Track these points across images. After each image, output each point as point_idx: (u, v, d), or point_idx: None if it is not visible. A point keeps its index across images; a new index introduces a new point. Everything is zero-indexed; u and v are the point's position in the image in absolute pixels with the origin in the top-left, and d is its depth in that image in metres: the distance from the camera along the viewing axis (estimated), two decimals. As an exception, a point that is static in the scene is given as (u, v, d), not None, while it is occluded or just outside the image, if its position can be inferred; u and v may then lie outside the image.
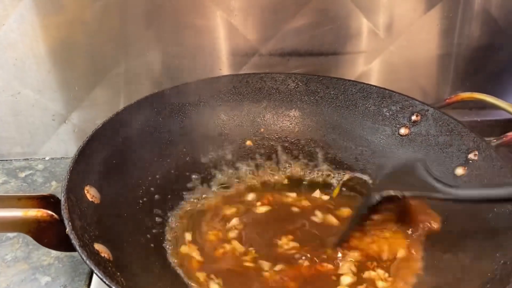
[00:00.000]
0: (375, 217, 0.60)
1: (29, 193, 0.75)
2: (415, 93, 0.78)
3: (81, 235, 0.45)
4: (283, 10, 0.81)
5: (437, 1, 0.84)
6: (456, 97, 0.74)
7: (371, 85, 0.75)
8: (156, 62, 0.82)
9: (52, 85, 0.80)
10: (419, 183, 0.57)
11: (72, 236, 0.44)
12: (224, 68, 0.85)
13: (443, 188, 0.55)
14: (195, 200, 0.66)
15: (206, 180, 0.70)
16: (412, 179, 0.58)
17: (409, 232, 0.60)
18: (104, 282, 0.40)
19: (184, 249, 0.57)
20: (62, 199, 0.47)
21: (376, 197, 0.58)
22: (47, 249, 0.64)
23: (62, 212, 0.46)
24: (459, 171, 0.64)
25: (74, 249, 0.44)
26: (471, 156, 0.63)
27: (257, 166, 0.73)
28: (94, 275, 0.61)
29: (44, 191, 0.77)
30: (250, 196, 0.68)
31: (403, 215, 0.61)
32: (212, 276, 0.54)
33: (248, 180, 0.71)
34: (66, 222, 0.45)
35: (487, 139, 0.64)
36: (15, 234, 0.67)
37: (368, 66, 0.88)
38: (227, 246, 0.58)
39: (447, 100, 0.74)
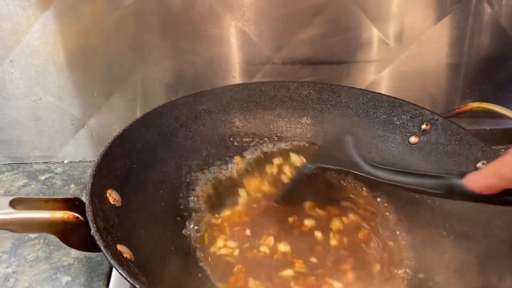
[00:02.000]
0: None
1: (49, 195, 0.79)
2: (424, 102, 0.80)
3: (105, 237, 0.47)
4: (296, 20, 0.83)
5: (447, 12, 0.86)
6: (466, 106, 0.76)
7: (382, 94, 0.77)
8: (172, 70, 0.84)
9: (72, 91, 0.82)
10: (347, 158, 0.61)
11: (97, 237, 0.46)
12: (238, 76, 0.87)
13: (365, 166, 0.57)
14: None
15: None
16: (341, 154, 0.62)
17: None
18: (128, 281, 0.42)
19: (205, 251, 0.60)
20: (87, 202, 0.49)
21: (309, 167, 0.64)
22: (67, 250, 0.68)
23: (87, 214, 0.48)
24: (468, 179, 0.65)
25: (97, 250, 0.46)
26: (479, 165, 0.64)
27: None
28: (112, 276, 0.63)
29: (63, 193, 0.80)
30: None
31: None
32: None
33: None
34: (91, 224, 0.47)
35: (495, 147, 0.65)
36: (36, 235, 0.70)
37: (379, 75, 0.90)
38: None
39: (456, 110, 0.76)
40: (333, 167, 0.62)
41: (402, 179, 0.53)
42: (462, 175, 0.44)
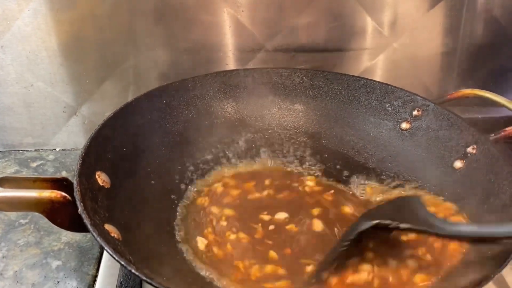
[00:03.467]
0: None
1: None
2: (417, 90, 0.79)
3: (92, 216, 0.47)
4: (289, 7, 0.83)
5: (439, 0, 0.86)
6: (458, 93, 0.76)
7: (374, 80, 0.76)
8: (164, 57, 0.84)
9: (64, 78, 0.82)
10: (413, 216, 0.51)
11: (84, 216, 0.46)
12: (231, 63, 0.87)
13: (440, 223, 0.50)
14: (202, 187, 0.68)
15: (211, 168, 0.72)
16: (405, 212, 0.53)
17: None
18: (114, 258, 0.42)
19: (190, 235, 0.59)
20: (75, 182, 0.49)
21: (366, 224, 0.51)
22: (58, 235, 0.68)
23: (75, 193, 0.48)
24: (458, 164, 0.65)
25: (85, 229, 0.46)
26: (469, 149, 0.64)
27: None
28: (103, 260, 0.63)
29: (54, 180, 0.80)
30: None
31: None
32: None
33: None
34: (78, 203, 0.47)
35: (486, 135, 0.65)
36: (27, 220, 0.70)
37: (372, 63, 0.90)
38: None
39: (448, 96, 0.76)
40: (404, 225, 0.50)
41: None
42: None
